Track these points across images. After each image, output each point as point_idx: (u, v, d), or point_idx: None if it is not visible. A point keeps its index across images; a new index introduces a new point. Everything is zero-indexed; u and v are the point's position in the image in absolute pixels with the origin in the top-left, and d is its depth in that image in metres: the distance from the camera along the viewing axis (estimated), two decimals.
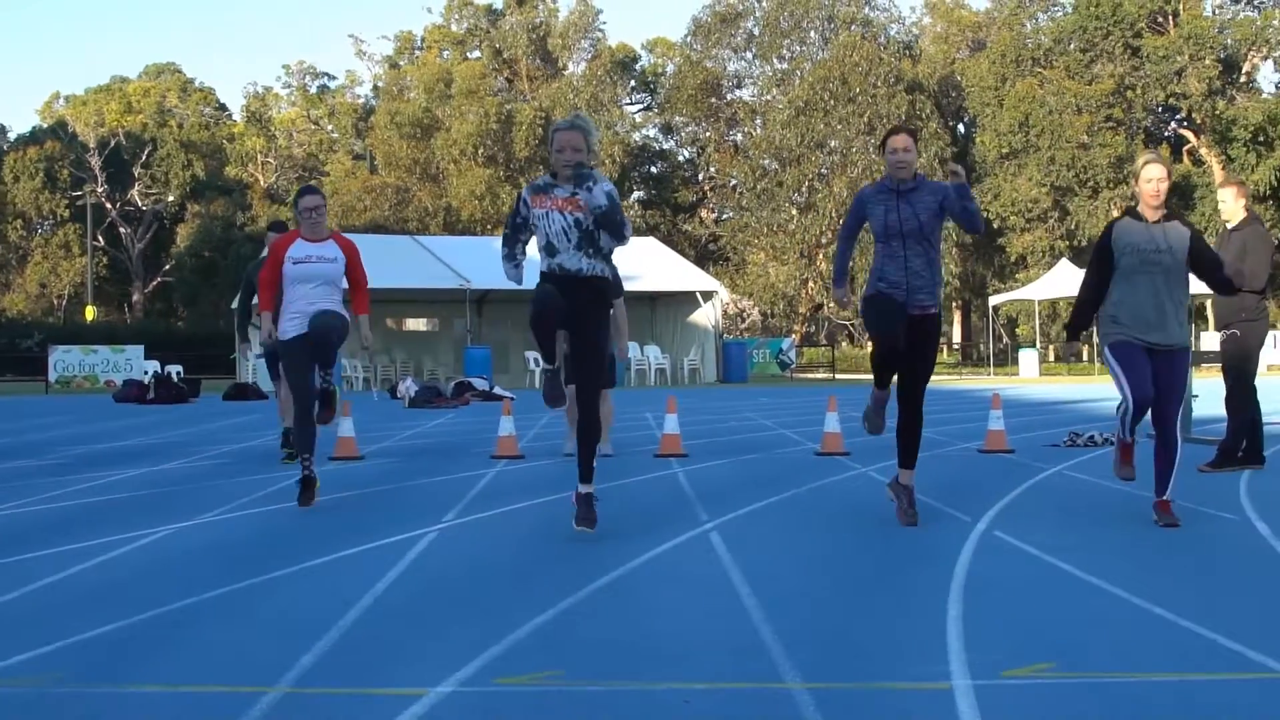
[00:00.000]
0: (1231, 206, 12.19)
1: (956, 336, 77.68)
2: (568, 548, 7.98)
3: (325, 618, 6.03)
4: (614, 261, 8.88)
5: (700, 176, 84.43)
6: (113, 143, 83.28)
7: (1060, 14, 71.24)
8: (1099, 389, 35.74)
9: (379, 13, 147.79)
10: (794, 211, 68.82)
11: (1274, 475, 11.75)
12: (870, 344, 9.72)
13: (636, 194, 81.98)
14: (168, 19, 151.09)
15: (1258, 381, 12.42)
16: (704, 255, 75.87)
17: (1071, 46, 66.93)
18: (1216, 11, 68.22)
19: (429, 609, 6.33)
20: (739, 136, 78.84)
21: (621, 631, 5.79)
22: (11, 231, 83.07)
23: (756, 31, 76.41)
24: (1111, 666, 5.04)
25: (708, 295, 48.16)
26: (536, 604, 6.29)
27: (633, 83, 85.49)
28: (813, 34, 74.86)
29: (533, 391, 35.35)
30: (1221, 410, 12.46)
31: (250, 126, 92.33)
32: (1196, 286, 10.76)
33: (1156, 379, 8.67)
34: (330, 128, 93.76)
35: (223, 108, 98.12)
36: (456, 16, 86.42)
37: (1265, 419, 12.59)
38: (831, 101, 66.92)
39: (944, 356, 69.00)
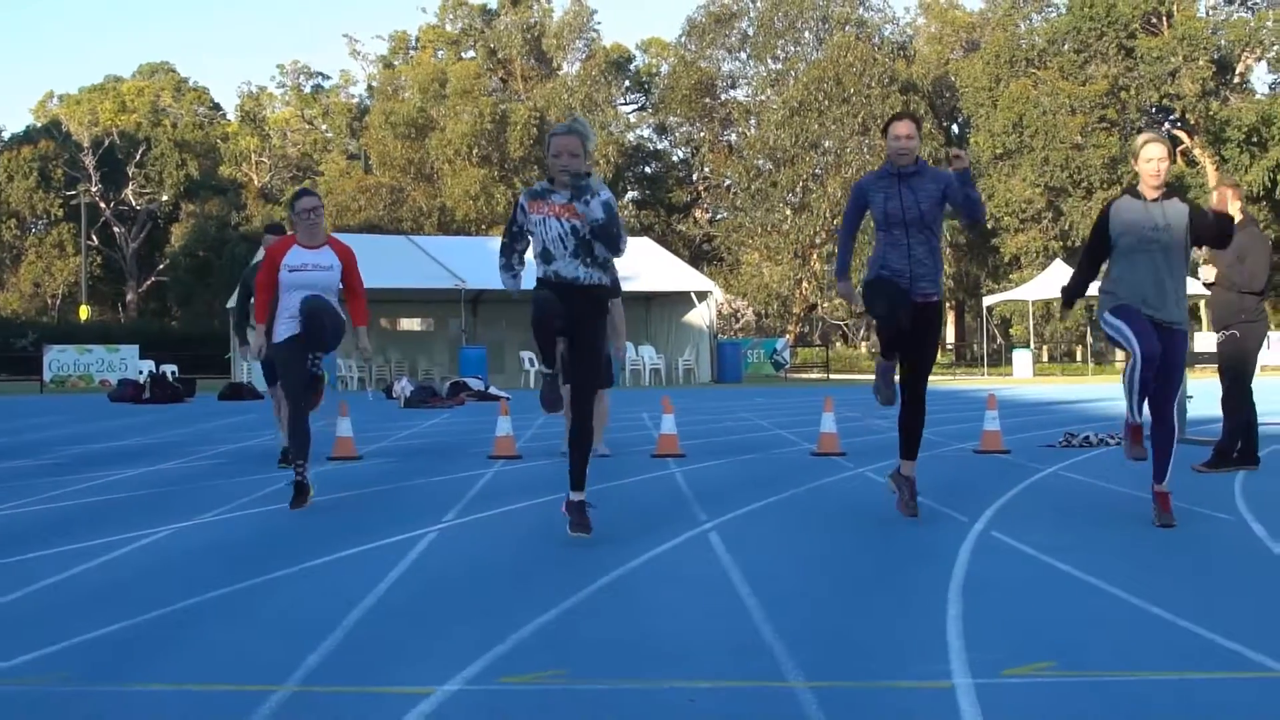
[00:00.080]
0: (1228, 209, 12.22)
1: (951, 337, 77.76)
2: (568, 548, 8.01)
3: (329, 617, 6.07)
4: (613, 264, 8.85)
5: (694, 177, 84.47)
6: (107, 142, 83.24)
7: (1054, 15, 71.31)
8: (1093, 389, 35.84)
9: (373, 12, 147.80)
10: (788, 212, 68.86)
11: (1269, 476, 11.80)
12: (876, 333, 9.74)
13: (631, 194, 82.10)
14: (161, 18, 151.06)
15: (1253, 383, 12.46)
16: (698, 255, 75.92)
17: (1065, 47, 67.00)
18: (1210, 12, 68.34)
19: (431, 609, 6.36)
20: (733, 137, 78.92)
21: (623, 631, 5.83)
22: (5, 231, 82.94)
23: (751, 32, 76.47)
24: (1111, 665, 5.07)
25: (702, 295, 48.21)
26: (538, 604, 6.33)
27: (627, 83, 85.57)
28: (807, 34, 74.91)
29: (528, 391, 35.39)
30: (1216, 411, 12.50)
31: (244, 126, 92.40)
32: (1193, 287, 10.81)
33: None
34: (324, 127, 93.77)
35: (217, 107, 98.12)
36: (451, 16, 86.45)
37: (1260, 420, 12.63)
38: (826, 102, 66.99)
39: (939, 356, 69.04)
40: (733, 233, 72.48)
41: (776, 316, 70.97)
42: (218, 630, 5.91)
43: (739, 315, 70.71)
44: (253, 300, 13.76)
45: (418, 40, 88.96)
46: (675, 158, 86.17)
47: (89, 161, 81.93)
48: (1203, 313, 42.99)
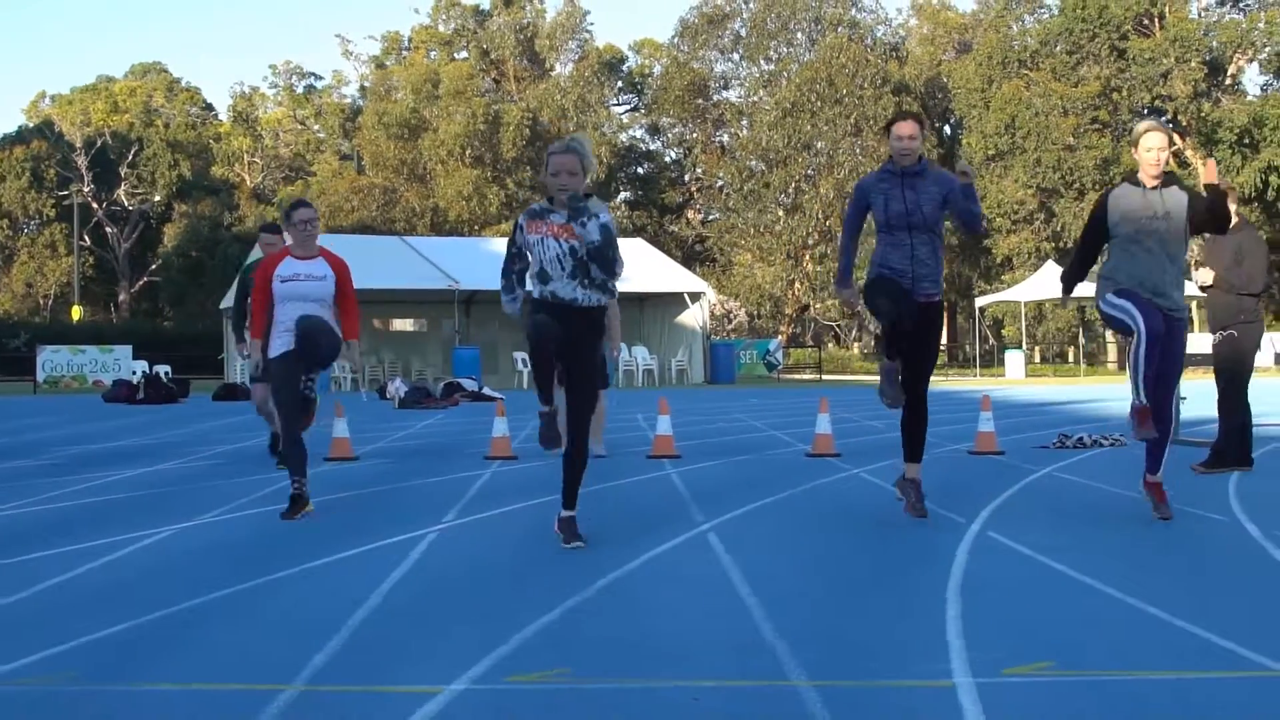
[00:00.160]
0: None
1: (943, 337, 77.86)
2: (567, 549, 8.05)
3: (333, 617, 6.11)
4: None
5: (687, 177, 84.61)
6: (99, 142, 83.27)
7: (1046, 16, 71.42)
8: (1085, 390, 35.93)
9: (366, 13, 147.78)
10: (780, 213, 68.97)
11: (1262, 477, 11.86)
12: (878, 337, 9.74)
13: (623, 195, 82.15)
14: (154, 18, 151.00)
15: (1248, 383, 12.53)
16: (690, 256, 76.02)
17: (1058, 49, 67.11)
18: (1202, 14, 68.46)
19: (434, 609, 6.41)
20: (726, 137, 79.07)
21: (626, 630, 5.88)
22: None
23: (743, 33, 76.60)
24: (1109, 665, 5.12)
25: (695, 296, 48.27)
26: (540, 603, 6.38)
27: (620, 84, 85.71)
28: (799, 35, 75.07)
29: (521, 392, 35.46)
30: (1209, 412, 12.56)
31: (237, 126, 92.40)
32: (1189, 289, 10.84)
33: None
34: (317, 128, 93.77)
35: (209, 107, 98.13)
36: (444, 17, 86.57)
37: (1255, 421, 12.70)
38: (818, 103, 67.09)
39: None
40: (725, 234, 72.59)
41: (769, 317, 71.10)
42: (223, 630, 5.95)
43: (731, 316, 70.80)
44: (250, 302, 13.83)
45: (410, 41, 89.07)
46: (668, 158, 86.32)
47: (81, 161, 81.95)
48: (1195, 314, 43.16)
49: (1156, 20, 66.08)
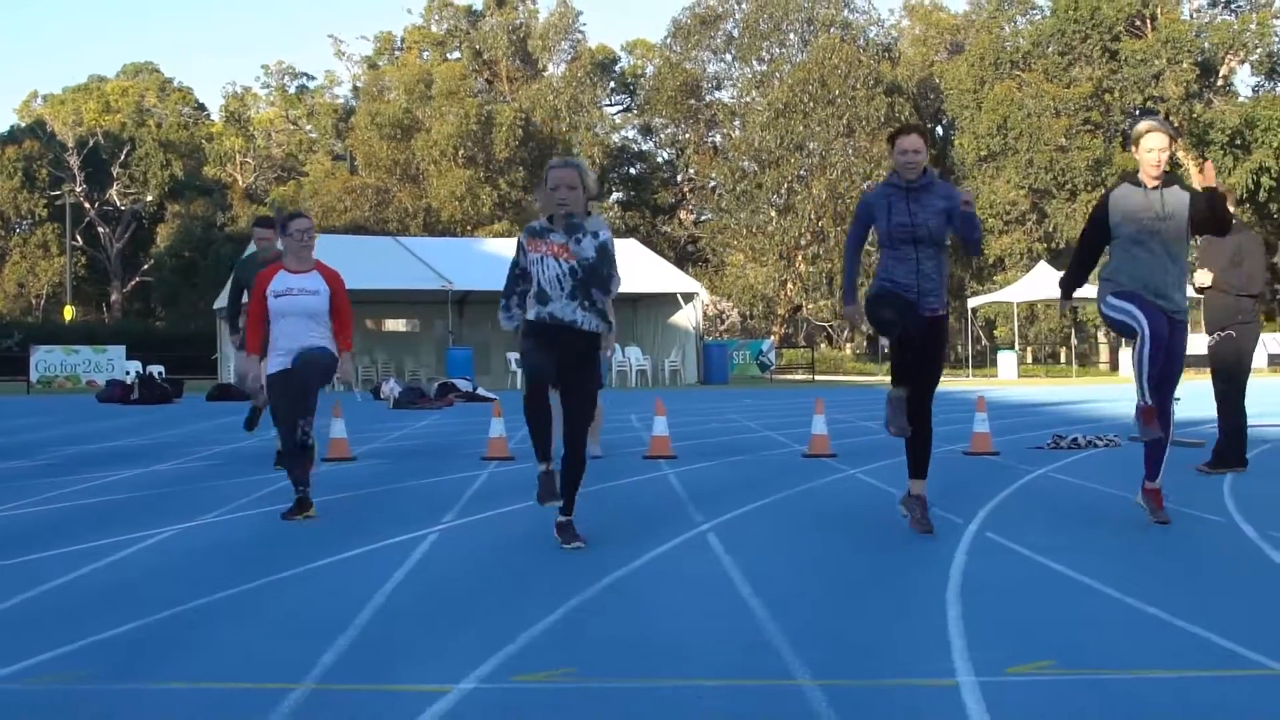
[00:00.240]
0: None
1: None
2: (567, 549, 8.10)
3: (339, 617, 6.16)
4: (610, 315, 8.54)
5: (679, 178, 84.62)
6: (91, 142, 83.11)
7: (1039, 17, 71.52)
8: (1078, 391, 36.00)
9: (358, 13, 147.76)
10: (773, 213, 69.05)
11: (1257, 478, 11.93)
12: (886, 350, 9.60)
13: (616, 195, 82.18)
14: (145, 18, 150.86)
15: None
16: (683, 257, 76.06)
17: (1050, 50, 67.22)
18: (1194, 15, 68.60)
19: (439, 608, 6.45)
20: (718, 138, 79.12)
21: (630, 630, 5.93)
22: None
23: (736, 33, 76.65)
24: (1109, 664, 5.18)
25: (688, 297, 48.31)
26: (543, 603, 6.43)
27: (612, 84, 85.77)
28: (792, 36, 75.12)
29: (514, 393, 35.43)
30: (1200, 412, 12.62)
31: (229, 126, 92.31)
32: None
33: None
34: (309, 128, 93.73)
35: (201, 107, 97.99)
36: (436, 17, 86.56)
37: (1250, 422, 12.76)
38: (810, 103, 67.17)
39: None
40: (718, 234, 72.67)
41: (761, 318, 71.15)
42: (230, 630, 6.00)
43: (724, 317, 70.85)
44: (244, 301, 13.80)
45: (403, 41, 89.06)
46: (660, 159, 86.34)
47: (73, 161, 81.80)
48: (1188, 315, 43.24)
49: (1148, 21, 66.21)
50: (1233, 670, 5.09)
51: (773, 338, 64.57)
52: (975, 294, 63.08)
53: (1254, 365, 12.57)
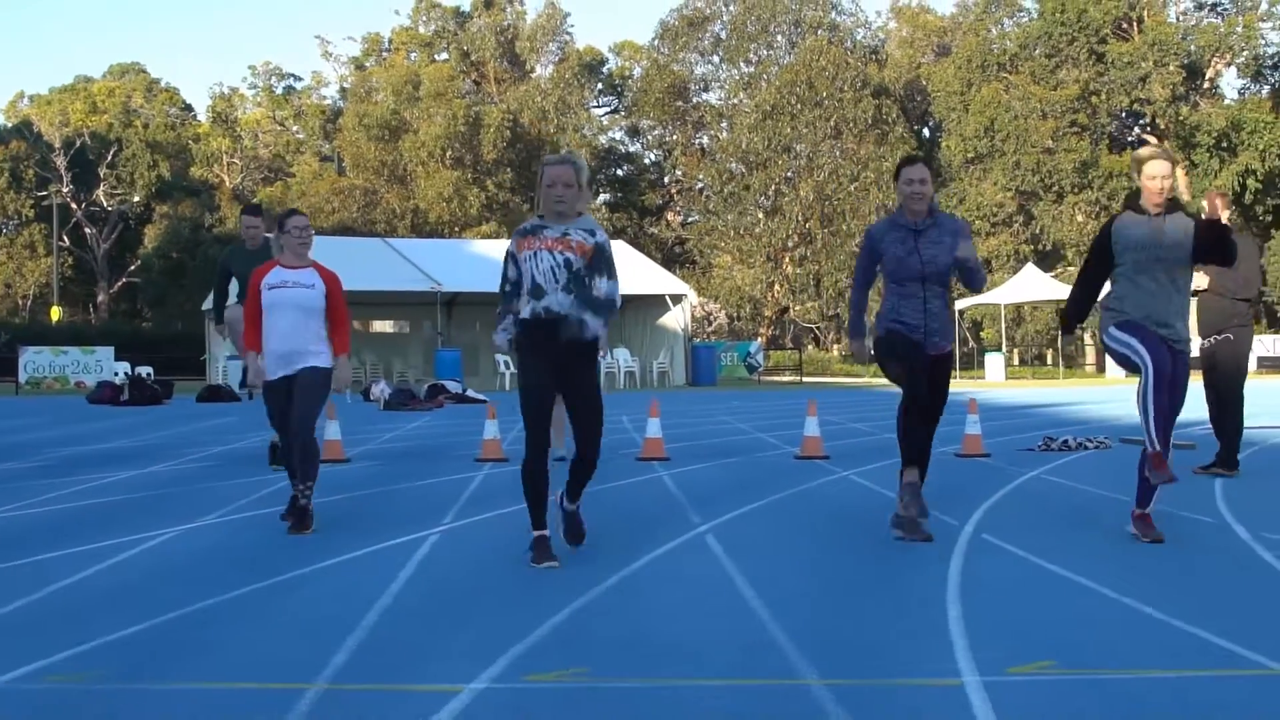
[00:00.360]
0: (1217, 217, 12.48)
1: None
2: (568, 550, 8.14)
3: (346, 618, 6.23)
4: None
5: (667, 179, 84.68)
6: (78, 143, 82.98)
7: (1025, 19, 71.66)
8: (1066, 393, 36.10)
9: (346, 14, 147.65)
10: (760, 215, 69.10)
11: (1248, 479, 12.04)
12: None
13: (603, 197, 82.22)
14: (132, 19, 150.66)
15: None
16: (670, 258, 76.11)
17: (1037, 52, 67.37)
18: (1180, 18, 68.79)
19: (444, 609, 6.52)
20: (705, 140, 79.14)
21: (637, 630, 6.01)
22: None
23: (723, 35, 76.66)
24: (1108, 664, 5.27)
25: (677, 298, 48.34)
26: (548, 604, 6.50)
27: (600, 85, 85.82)
28: (779, 38, 75.17)
29: (504, 394, 35.46)
30: (1192, 415, 12.69)
31: (216, 127, 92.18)
32: None
33: None
34: (296, 129, 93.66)
35: (188, 108, 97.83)
36: (424, 18, 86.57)
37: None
38: (798, 105, 67.22)
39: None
40: (705, 236, 72.71)
41: (748, 319, 71.22)
42: (239, 631, 6.06)
43: (712, 318, 70.92)
44: (231, 281, 13.80)
45: (390, 42, 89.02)
46: (648, 160, 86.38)
47: (60, 162, 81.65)
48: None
49: (1135, 24, 66.39)
50: (1231, 670, 5.17)
51: (760, 339, 64.65)
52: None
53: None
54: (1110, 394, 32.55)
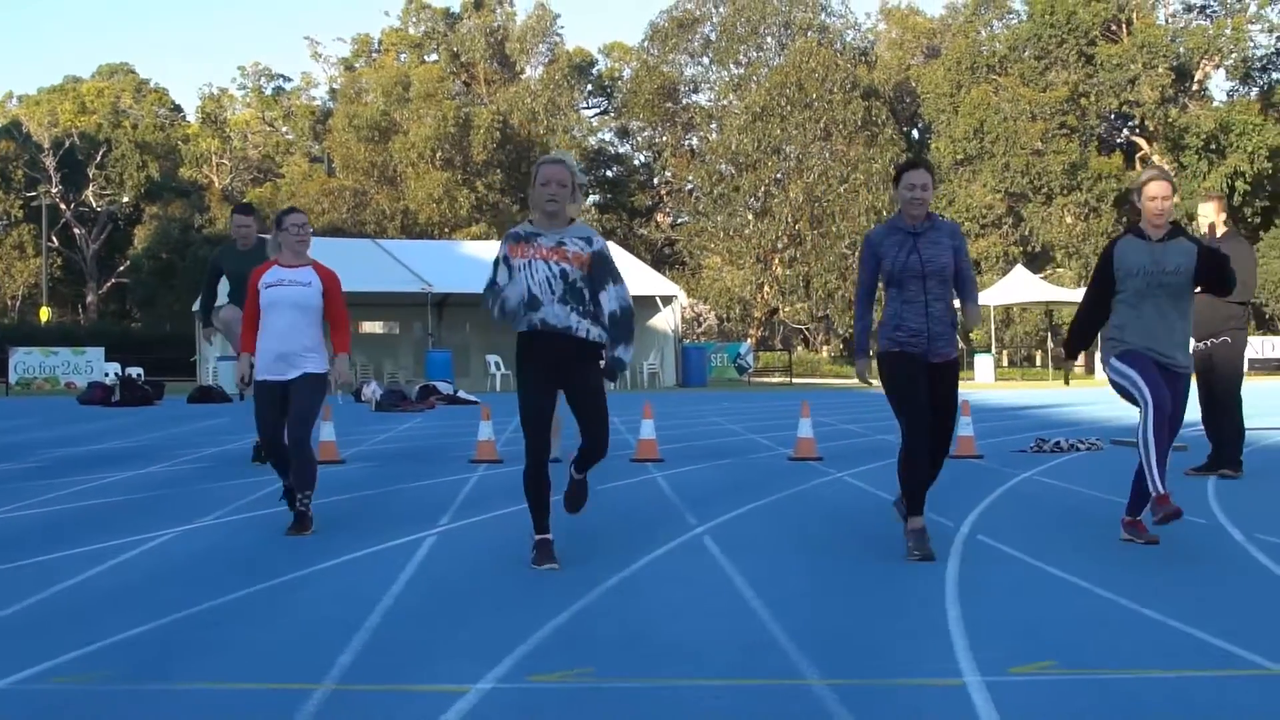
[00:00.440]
0: (1213, 220, 12.55)
1: None
2: (567, 551, 8.12)
3: (350, 618, 6.26)
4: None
5: (656, 181, 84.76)
6: (67, 143, 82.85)
7: (1015, 21, 71.88)
8: (1055, 394, 36.19)
9: (335, 15, 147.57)
10: (750, 216, 69.16)
11: (1240, 480, 12.12)
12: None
13: (593, 198, 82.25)
14: (120, 19, 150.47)
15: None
16: (660, 259, 76.17)
17: (1026, 54, 67.58)
18: (1169, 20, 69.05)
19: (445, 610, 6.56)
20: (695, 141, 79.24)
21: (639, 631, 6.05)
22: None
23: (713, 37, 76.76)
24: (1108, 664, 5.31)
25: (667, 299, 48.41)
26: (550, 605, 6.54)
27: (590, 87, 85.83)
28: (769, 40, 75.29)
29: (494, 395, 35.53)
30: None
31: (205, 128, 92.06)
32: None
33: None
34: (286, 130, 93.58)
35: (177, 109, 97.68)
36: (414, 19, 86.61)
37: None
38: (788, 107, 67.28)
39: None
40: (695, 237, 72.75)
41: (738, 320, 71.29)
42: (243, 631, 6.09)
43: (701, 319, 71.00)
44: (221, 281, 13.78)
45: (380, 43, 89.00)
46: (637, 161, 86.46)
47: (49, 162, 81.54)
48: None
49: (1124, 26, 66.60)
50: (1230, 670, 5.22)
51: (750, 340, 64.72)
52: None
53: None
54: (1100, 395, 32.63)
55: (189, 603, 6.69)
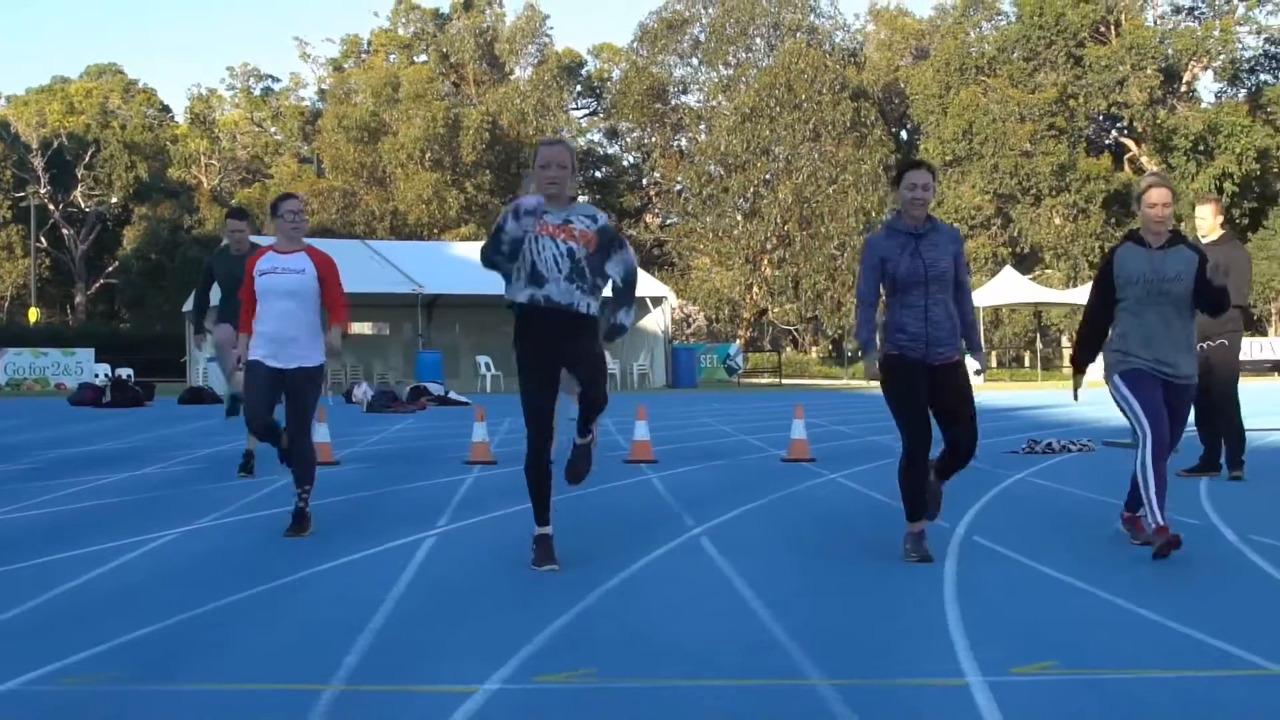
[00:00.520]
0: (1210, 223, 12.60)
1: None
2: (566, 552, 8.12)
3: (353, 619, 6.29)
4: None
5: (645, 182, 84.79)
6: (55, 144, 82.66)
7: (1004, 23, 72.00)
8: (1045, 395, 36.29)
9: (324, 16, 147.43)
10: (739, 217, 69.17)
11: (1233, 482, 12.17)
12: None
13: (582, 199, 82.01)
14: (109, 19, 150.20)
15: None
16: (649, 260, 76.14)
17: (1015, 55, 67.71)
18: (1158, 22, 69.23)
19: (446, 611, 6.59)
20: (684, 142, 79.32)
21: (639, 631, 6.10)
22: None
23: (702, 38, 76.84)
24: (1108, 664, 5.36)
25: (657, 300, 48.43)
26: (551, 606, 6.58)
27: (579, 88, 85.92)
28: (758, 41, 75.38)
29: (484, 396, 35.54)
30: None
31: (194, 128, 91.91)
32: None
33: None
34: (274, 130, 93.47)
35: (166, 109, 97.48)
36: (403, 20, 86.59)
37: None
38: (777, 108, 67.32)
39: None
40: (684, 238, 72.78)
41: (727, 321, 71.32)
42: (248, 632, 6.13)
43: (690, 320, 71.03)
44: (216, 285, 13.76)
45: (370, 44, 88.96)
46: (626, 162, 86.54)
47: (37, 163, 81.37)
48: None
49: (1113, 28, 66.74)
50: (1229, 670, 5.27)
51: (739, 341, 64.76)
52: None
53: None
54: (1090, 396, 32.63)
55: (192, 604, 6.72)
